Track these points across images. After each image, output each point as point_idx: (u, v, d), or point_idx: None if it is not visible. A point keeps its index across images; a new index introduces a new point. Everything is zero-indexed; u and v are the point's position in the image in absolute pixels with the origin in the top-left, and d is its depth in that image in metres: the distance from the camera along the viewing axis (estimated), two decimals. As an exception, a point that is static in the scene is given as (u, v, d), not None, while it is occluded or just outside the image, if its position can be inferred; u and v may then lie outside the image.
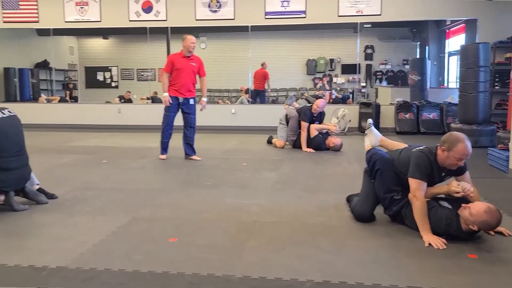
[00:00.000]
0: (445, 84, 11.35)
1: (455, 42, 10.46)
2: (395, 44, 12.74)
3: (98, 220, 3.21)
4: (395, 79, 12.66)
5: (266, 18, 9.11)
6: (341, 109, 8.39)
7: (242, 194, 4.00)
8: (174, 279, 2.25)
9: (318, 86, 12.89)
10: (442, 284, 2.19)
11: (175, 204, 3.65)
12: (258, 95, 11.24)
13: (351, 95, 12.41)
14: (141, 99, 11.20)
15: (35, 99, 12.64)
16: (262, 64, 11.31)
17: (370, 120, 3.93)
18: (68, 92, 12.57)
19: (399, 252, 2.62)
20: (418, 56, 12.08)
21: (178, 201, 3.73)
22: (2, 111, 3.44)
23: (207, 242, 2.76)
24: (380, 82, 12.78)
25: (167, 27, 9.53)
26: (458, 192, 2.79)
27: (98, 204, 3.65)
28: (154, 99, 11.22)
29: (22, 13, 9.52)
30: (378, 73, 13.03)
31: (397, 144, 3.52)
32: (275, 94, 12.96)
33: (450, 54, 11.02)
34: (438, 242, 2.66)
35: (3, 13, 9.54)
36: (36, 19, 9.55)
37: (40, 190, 3.69)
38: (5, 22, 9.59)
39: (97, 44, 14.80)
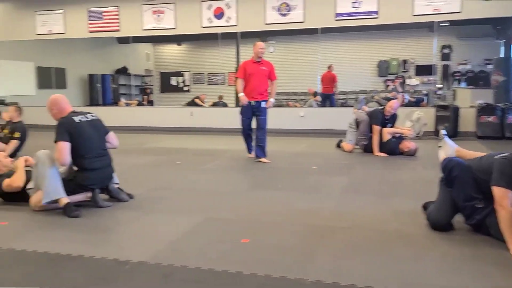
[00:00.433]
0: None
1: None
2: (475, 43, 11.93)
3: (174, 219, 3.35)
4: (476, 80, 11.86)
5: (336, 20, 8.99)
6: (416, 111, 8.07)
7: (313, 198, 3.97)
8: (247, 279, 2.29)
9: (390, 88, 12.50)
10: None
11: (247, 205, 3.72)
12: (327, 99, 11.10)
13: (426, 98, 11.85)
14: (209, 105, 11.47)
15: (115, 103, 13.56)
16: (329, 67, 11.16)
17: (443, 131, 3.69)
18: (146, 97, 13.25)
19: (483, 262, 2.46)
20: (502, 55, 11.24)
21: (250, 203, 3.80)
22: (86, 115, 3.71)
23: (279, 245, 2.77)
24: (459, 83, 12.07)
25: (236, 32, 9.74)
26: None
27: (174, 203, 3.82)
28: (217, 104, 11.42)
29: (106, 23, 10.25)
30: (456, 74, 12.32)
31: (475, 153, 3.28)
32: (344, 97, 12.72)
33: (539, 53, 10.16)
34: (527, 255, 2.47)
35: (89, 23, 10.31)
36: (117, 28, 10.23)
37: (119, 189, 3.91)
38: (90, 31, 10.38)
39: (171, 50, 15.54)
